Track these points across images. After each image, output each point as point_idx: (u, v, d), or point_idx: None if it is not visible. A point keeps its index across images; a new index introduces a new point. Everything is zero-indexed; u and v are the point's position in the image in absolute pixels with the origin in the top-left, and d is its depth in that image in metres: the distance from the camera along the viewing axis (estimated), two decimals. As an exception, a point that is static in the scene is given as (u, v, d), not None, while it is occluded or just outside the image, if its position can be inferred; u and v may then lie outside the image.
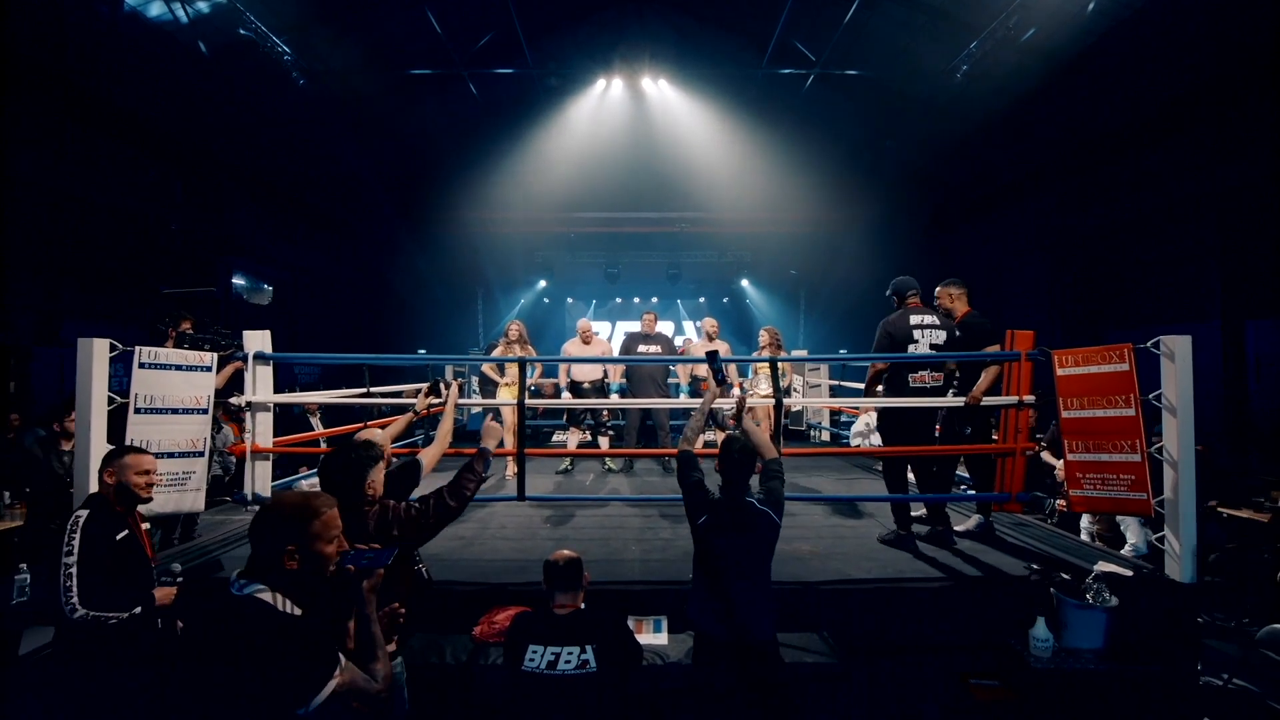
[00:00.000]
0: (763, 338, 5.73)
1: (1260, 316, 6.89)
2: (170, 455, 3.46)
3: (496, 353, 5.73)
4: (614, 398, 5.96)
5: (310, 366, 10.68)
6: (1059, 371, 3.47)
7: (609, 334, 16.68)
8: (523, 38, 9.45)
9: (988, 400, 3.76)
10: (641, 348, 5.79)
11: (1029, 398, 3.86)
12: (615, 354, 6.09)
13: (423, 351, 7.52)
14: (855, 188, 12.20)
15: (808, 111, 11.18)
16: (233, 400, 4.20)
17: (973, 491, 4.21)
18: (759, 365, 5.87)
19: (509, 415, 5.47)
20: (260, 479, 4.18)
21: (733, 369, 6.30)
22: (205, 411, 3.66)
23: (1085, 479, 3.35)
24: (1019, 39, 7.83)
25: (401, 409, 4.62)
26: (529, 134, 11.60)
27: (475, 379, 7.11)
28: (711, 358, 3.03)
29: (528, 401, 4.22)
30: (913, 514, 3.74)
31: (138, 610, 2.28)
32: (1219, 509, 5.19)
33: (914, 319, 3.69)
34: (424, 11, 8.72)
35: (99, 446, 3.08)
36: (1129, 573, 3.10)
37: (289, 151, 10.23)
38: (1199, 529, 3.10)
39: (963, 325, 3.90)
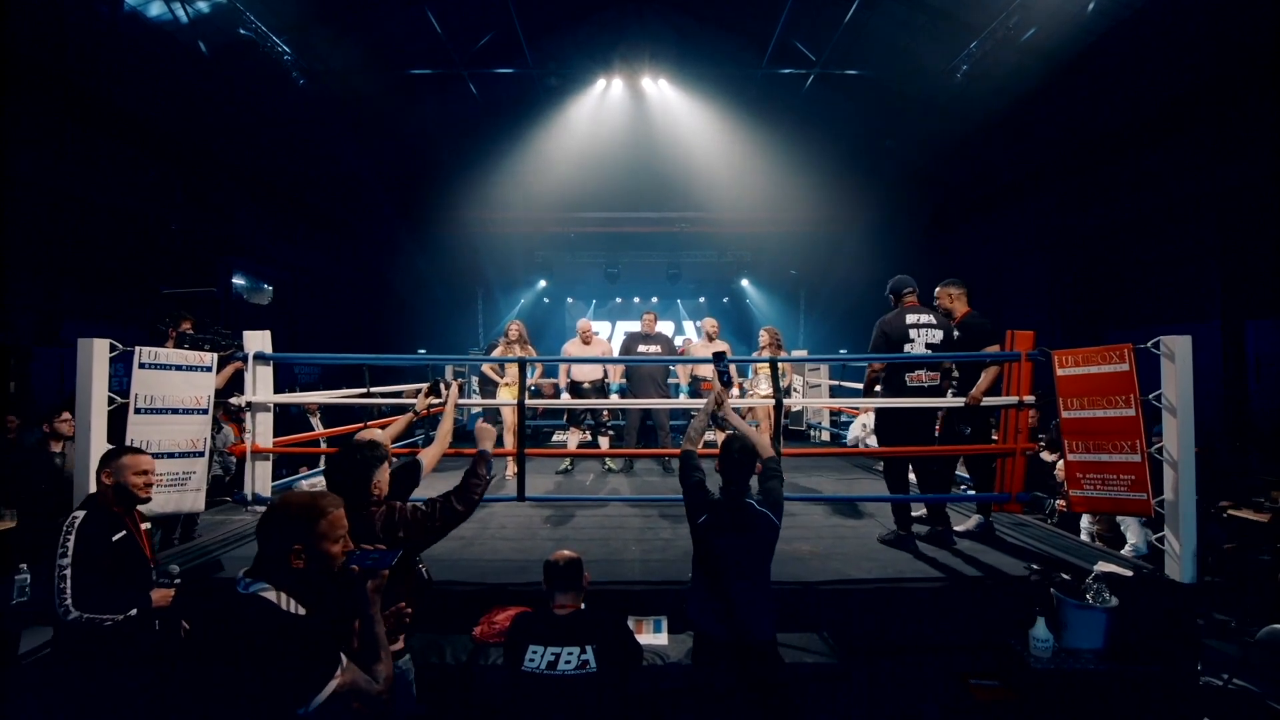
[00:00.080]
0: (763, 338, 5.73)
1: (1260, 316, 6.90)
2: (170, 455, 3.47)
3: (496, 353, 5.73)
4: (614, 398, 5.96)
5: (310, 366, 10.68)
6: (1059, 372, 3.47)
7: (609, 334, 16.68)
8: (523, 38, 9.44)
9: (988, 400, 3.76)
10: (641, 348, 5.79)
11: (1029, 398, 3.86)
12: (615, 354, 6.09)
13: (423, 351, 7.52)
14: (855, 188, 12.19)
15: (808, 111, 11.18)
16: (233, 400, 4.20)
17: (973, 492, 4.21)
18: (759, 365, 5.87)
19: (509, 415, 5.47)
20: (260, 479, 4.19)
21: (733, 369, 6.30)
22: (205, 412, 3.66)
23: (1085, 479, 3.35)
24: (1019, 39, 7.83)
25: (401, 409, 4.62)
26: (529, 134, 11.60)
27: (475, 379, 7.11)
28: (718, 359, 3.02)
29: (528, 402, 4.22)
30: (913, 514, 3.74)
31: (133, 612, 2.27)
32: (1227, 510, 5.16)
33: (910, 318, 3.69)
34: (424, 11, 8.72)
35: (99, 447, 3.08)
36: (1129, 573, 3.10)
37: (289, 151, 10.23)
38: (1200, 529, 3.10)
39: (962, 325, 3.90)
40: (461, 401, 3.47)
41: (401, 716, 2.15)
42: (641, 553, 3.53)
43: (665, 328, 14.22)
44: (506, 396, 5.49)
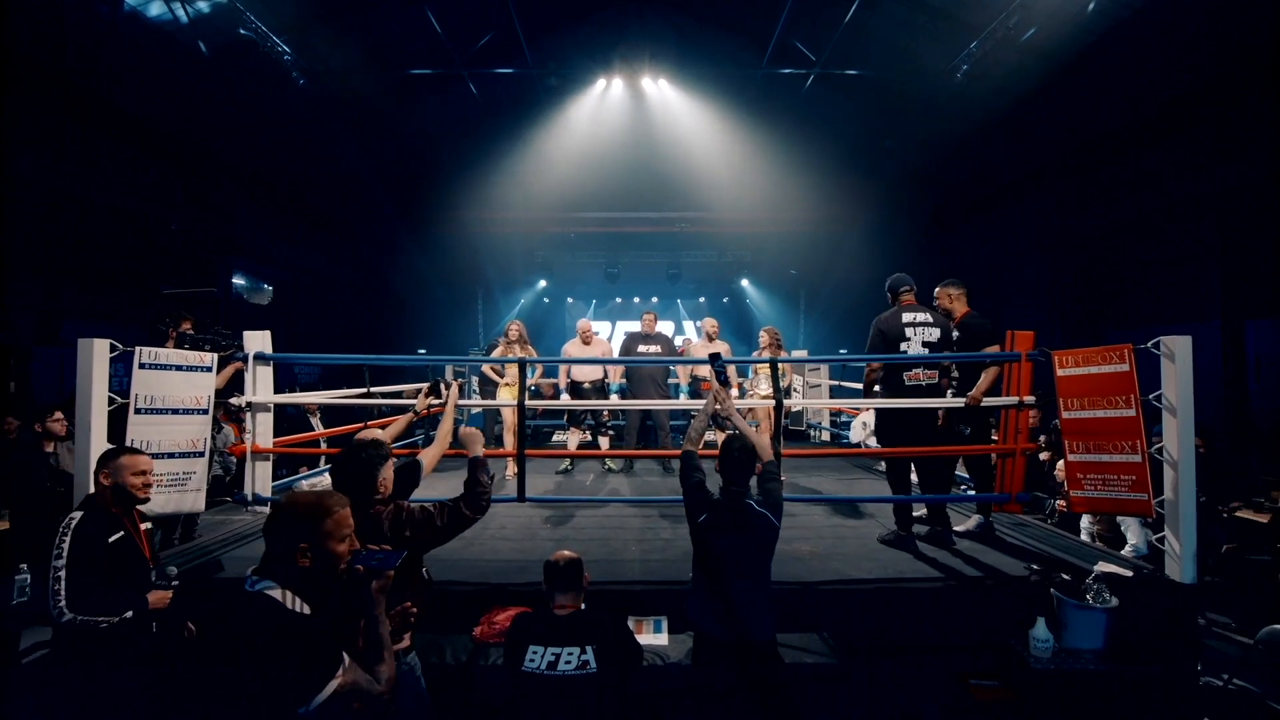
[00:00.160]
0: (763, 338, 5.72)
1: (1260, 316, 6.90)
2: (170, 455, 3.47)
3: (496, 353, 5.73)
4: (614, 398, 5.96)
5: (310, 366, 10.68)
6: (1059, 372, 3.47)
7: (609, 334, 16.68)
8: (523, 38, 9.44)
9: (988, 401, 3.76)
10: (641, 348, 5.79)
11: (1029, 398, 3.86)
12: (615, 354, 6.09)
13: (423, 351, 7.53)
14: (855, 188, 12.19)
15: (808, 111, 11.18)
16: (233, 400, 4.20)
17: (972, 492, 4.21)
18: (759, 365, 5.87)
19: (509, 415, 5.47)
20: (260, 479, 4.19)
21: (732, 369, 6.30)
22: (205, 412, 3.66)
23: (1086, 479, 3.35)
24: (1019, 39, 7.83)
25: (401, 409, 4.62)
26: (529, 134, 11.60)
27: (475, 379, 7.12)
28: (714, 359, 3.03)
29: (528, 402, 4.22)
30: (914, 514, 3.74)
31: (129, 614, 2.27)
32: (1233, 510, 5.13)
33: (906, 316, 3.69)
34: (424, 11, 8.72)
35: (99, 447, 3.08)
36: (1129, 573, 3.10)
37: (289, 151, 10.23)
38: (1202, 529, 3.10)
39: (962, 326, 3.90)
40: (461, 402, 3.48)
41: (414, 711, 2.16)
42: (641, 553, 3.53)
43: (665, 328, 14.22)
44: (506, 396, 5.49)
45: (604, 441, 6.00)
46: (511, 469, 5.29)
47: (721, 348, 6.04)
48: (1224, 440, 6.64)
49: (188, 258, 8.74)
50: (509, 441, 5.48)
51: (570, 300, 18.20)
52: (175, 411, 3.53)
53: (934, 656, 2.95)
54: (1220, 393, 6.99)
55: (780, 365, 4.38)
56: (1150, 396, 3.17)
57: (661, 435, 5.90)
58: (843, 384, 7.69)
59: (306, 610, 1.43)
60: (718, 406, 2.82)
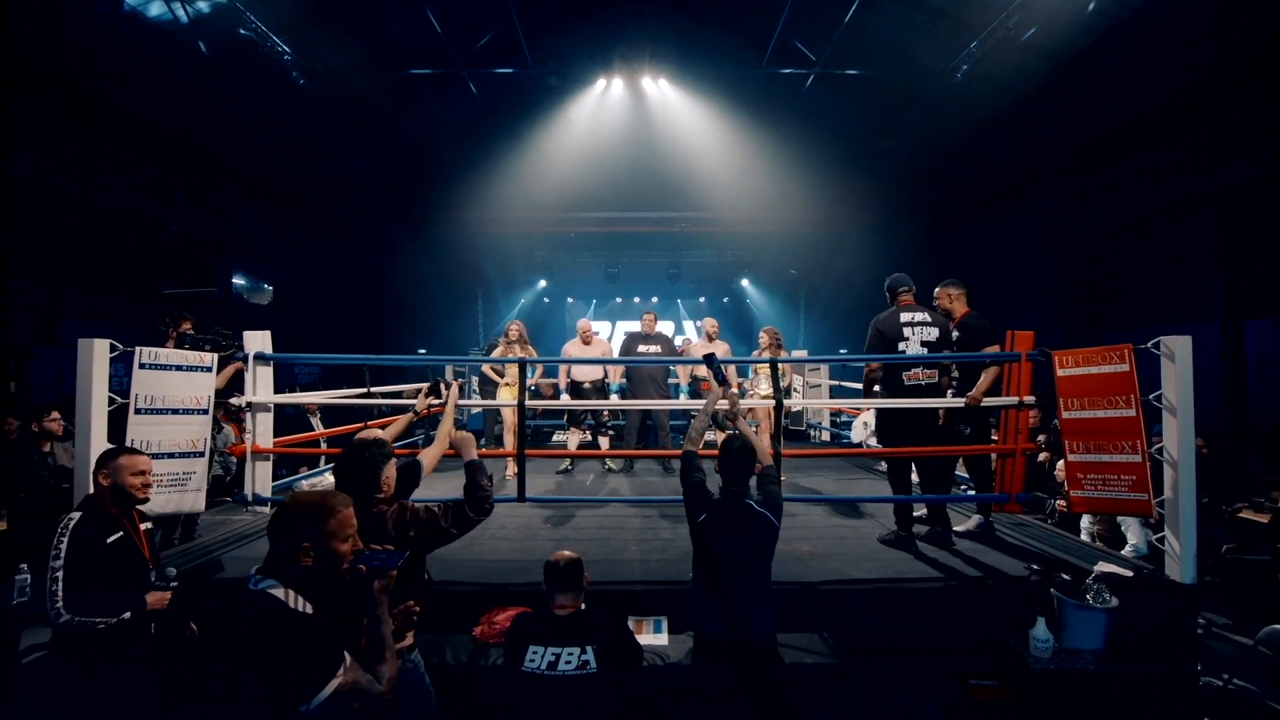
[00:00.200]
0: (763, 339, 5.72)
1: (1260, 316, 6.90)
2: (170, 456, 3.47)
3: (496, 353, 5.72)
4: (614, 398, 5.96)
5: (310, 366, 10.68)
6: (1059, 372, 3.47)
7: (609, 334, 16.68)
8: (523, 37, 9.44)
9: (988, 401, 3.75)
10: (641, 348, 5.79)
11: (1029, 398, 3.86)
12: (615, 354, 6.09)
13: (423, 351, 7.53)
14: (855, 188, 12.19)
15: (808, 111, 11.18)
16: (233, 401, 4.20)
17: (973, 492, 4.21)
18: (759, 365, 5.87)
19: (509, 415, 5.47)
20: (261, 479, 4.19)
21: (732, 369, 6.30)
22: (205, 412, 3.67)
23: (1086, 479, 3.35)
24: (1019, 38, 7.83)
25: (401, 409, 4.62)
26: (529, 134, 11.60)
27: (475, 379, 7.12)
28: (709, 359, 3.03)
29: (528, 402, 4.22)
30: (914, 514, 3.74)
31: (126, 615, 2.26)
32: (1237, 511, 5.11)
33: (904, 316, 3.69)
34: (424, 11, 8.72)
35: (99, 447, 3.08)
36: (1129, 573, 3.10)
37: (289, 151, 10.23)
38: (1204, 530, 3.10)
39: (962, 326, 3.90)
40: (462, 402, 3.48)
41: (419, 706, 2.17)
42: (641, 553, 3.53)
43: (665, 328, 14.22)
44: (506, 396, 5.49)
45: (604, 441, 6.00)
46: (511, 469, 5.29)
47: (721, 348, 6.04)
48: (1224, 440, 6.64)
49: (188, 258, 8.74)
50: (509, 441, 5.48)
51: (570, 300, 18.20)
52: (175, 411, 3.53)
53: (934, 656, 2.95)
54: (1220, 393, 6.99)
55: (780, 365, 4.38)
56: (1150, 396, 3.17)
57: (661, 435, 5.90)
58: (843, 384, 7.70)
59: (309, 609, 1.44)
60: (724, 405, 2.82)
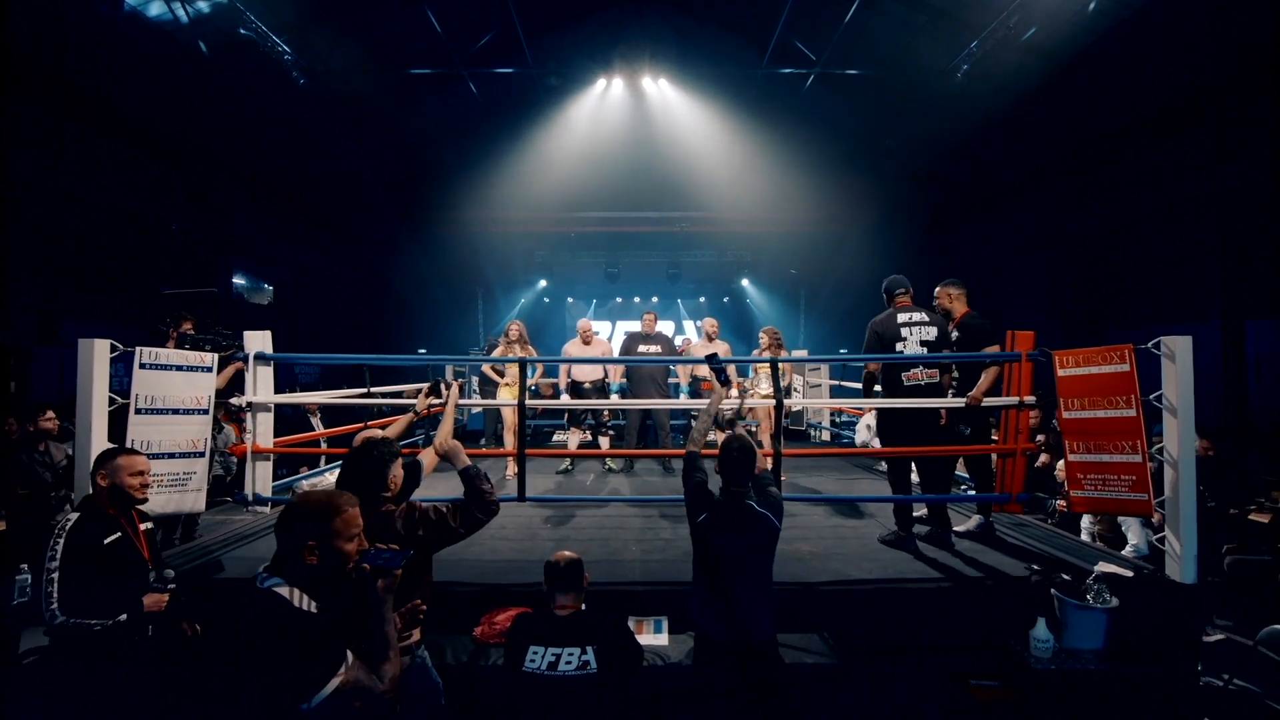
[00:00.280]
0: (763, 339, 5.73)
1: (1260, 316, 6.90)
2: (171, 456, 3.47)
3: (496, 353, 5.72)
4: (614, 398, 5.96)
5: (310, 366, 10.69)
6: (1060, 372, 3.47)
7: (609, 334, 16.69)
8: (523, 37, 9.45)
9: (988, 401, 3.75)
10: (642, 348, 5.79)
11: (1029, 398, 3.86)
12: (615, 354, 6.10)
13: (423, 351, 7.54)
14: (855, 188, 12.20)
15: (808, 111, 11.18)
16: (233, 401, 4.20)
17: (973, 492, 4.21)
18: (759, 365, 5.87)
19: (509, 415, 5.47)
20: (261, 479, 4.19)
21: (733, 369, 6.31)
22: (206, 412, 3.67)
23: (1086, 479, 3.35)
24: (1019, 38, 7.83)
25: (402, 409, 4.62)
26: (529, 134, 11.60)
27: (475, 379, 7.12)
28: (711, 359, 3.03)
29: (528, 402, 4.22)
30: (915, 513, 3.74)
31: (122, 617, 2.25)
32: (1246, 514, 5.09)
33: (901, 317, 3.69)
34: (424, 11, 8.72)
35: (100, 448, 3.08)
36: (1129, 573, 3.10)
37: (289, 151, 10.23)
38: (1210, 533, 3.09)
39: (962, 326, 3.90)
40: (462, 402, 3.48)
41: (427, 699, 2.17)
42: (642, 553, 3.53)
43: (665, 328, 14.23)
44: (507, 396, 5.49)
45: (604, 441, 6.00)
46: (512, 469, 5.29)
47: (721, 348, 6.03)
48: (1224, 440, 6.64)
49: (188, 258, 8.74)
50: (509, 441, 5.48)
51: (570, 300, 18.20)
52: (176, 412, 3.53)
53: (934, 656, 2.95)
54: (1220, 393, 6.99)
55: (780, 365, 4.38)
56: (1151, 397, 3.17)
57: (662, 435, 5.90)
58: (843, 384, 7.69)
59: (314, 608, 1.45)
60: (727, 407, 2.81)
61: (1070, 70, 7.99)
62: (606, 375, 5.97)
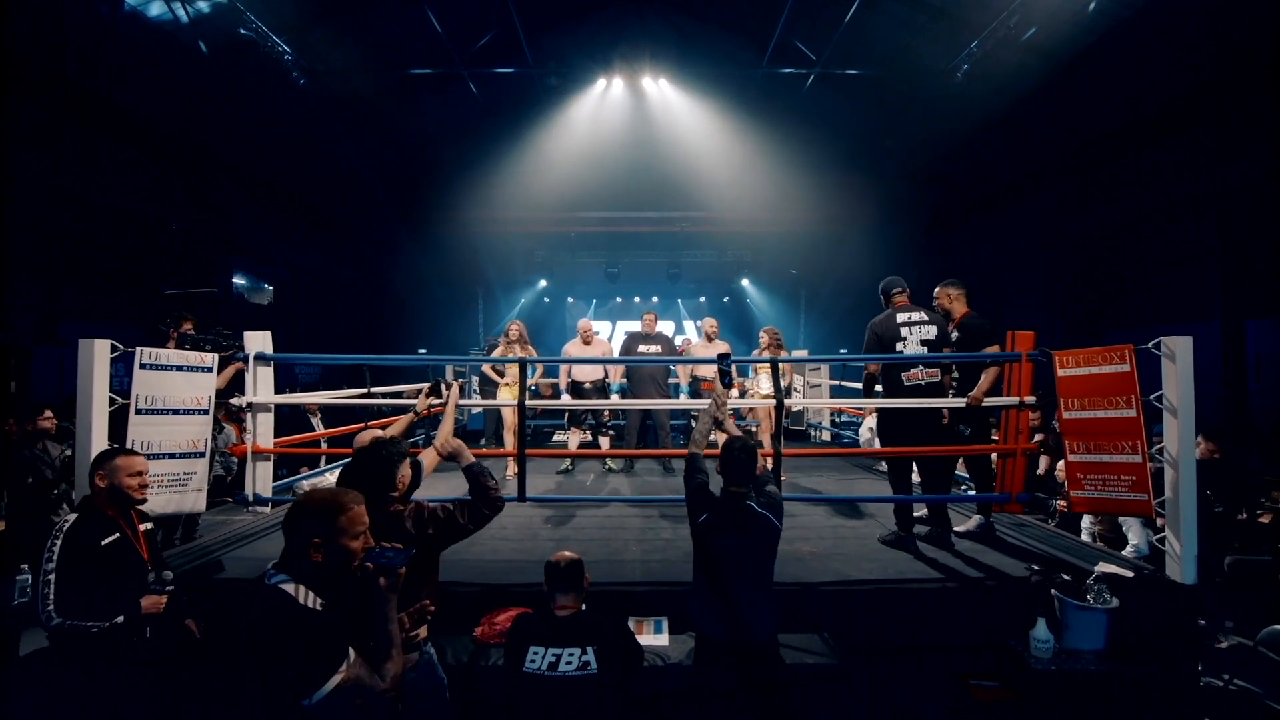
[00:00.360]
0: (763, 338, 5.72)
1: (1260, 316, 6.90)
2: (171, 456, 3.47)
3: (497, 353, 5.72)
4: (614, 398, 5.95)
5: (310, 367, 10.69)
6: (1060, 372, 3.47)
7: (609, 334, 16.69)
8: (523, 37, 9.45)
9: (988, 401, 3.75)
10: (642, 348, 5.79)
11: (1030, 398, 3.86)
12: (616, 354, 6.09)
13: (423, 351, 7.53)
14: (855, 188, 12.20)
15: (808, 111, 11.19)
16: (234, 401, 4.20)
17: (973, 492, 4.21)
18: (759, 365, 5.87)
19: (509, 415, 5.46)
20: (261, 479, 4.19)
21: (733, 369, 6.30)
22: (206, 412, 3.66)
23: (1086, 480, 3.35)
24: (1019, 38, 7.83)
25: (402, 409, 4.62)
26: (529, 134, 11.60)
27: (475, 379, 7.11)
28: (722, 359, 3.02)
29: (528, 402, 4.22)
30: (915, 513, 3.74)
31: (120, 619, 2.24)
32: (1256, 517, 5.06)
33: (900, 317, 3.69)
34: (424, 11, 8.72)
35: (100, 448, 3.08)
36: (1130, 574, 3.10)
37: (289, 151, 10.23)
38: (1216, 536, 3.08)
39: (962, 326, 3.89)
40: (462, 402, 3.47)
41: (432, 694, 2.18)
42: (642, 553, 3.53)
43: (665, 328, 14.21)
44: (507, 396, 5.48)
45: (604, 441, 6.00)
46: (512, 469, 5.29)
47: (721, 348, 6.03)
48: (1225, 441, 6.64)
49: (188, 258, 8.74)
50: (509, 441, 5.48)
51: (570, 300, 18.20)
52: (176, 412, 3.52)
53: (934, 656, 2.95)
54: (1220, 393, 6.99)
55: (780, 365, 4.38)
56: (1151, 397, 3.17)
57: (662, 435, 5.90)
58: (843, 384, 7.70)
59: (319, 605, 1.46)
60: (729, 409, 2.81)
61: (1070, 70, 7.99)
62: (607, 375, 5.97)
